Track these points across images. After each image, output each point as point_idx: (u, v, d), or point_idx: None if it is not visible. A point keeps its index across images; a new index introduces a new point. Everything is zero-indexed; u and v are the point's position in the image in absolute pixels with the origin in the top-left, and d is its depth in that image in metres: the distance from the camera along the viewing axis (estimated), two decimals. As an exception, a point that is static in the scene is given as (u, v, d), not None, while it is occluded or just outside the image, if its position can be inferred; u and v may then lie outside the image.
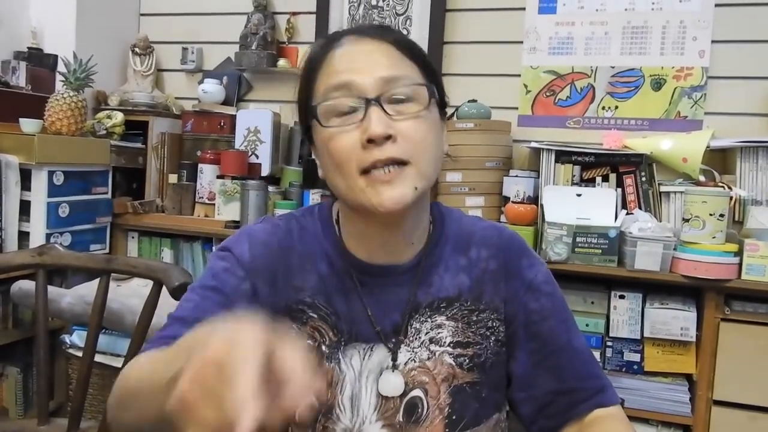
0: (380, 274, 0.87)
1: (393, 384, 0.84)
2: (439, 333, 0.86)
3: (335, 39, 0.83)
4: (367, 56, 0.80)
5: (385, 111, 0.77)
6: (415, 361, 0.85)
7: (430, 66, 0.85)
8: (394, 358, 0.85)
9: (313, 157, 0.87)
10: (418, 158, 0.78)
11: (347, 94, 0.78)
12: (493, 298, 0.89)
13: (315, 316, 0.86)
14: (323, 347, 0.85)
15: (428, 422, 0.84)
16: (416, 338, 0.86)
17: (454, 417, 0.85)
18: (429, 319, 0.86)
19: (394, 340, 0.86)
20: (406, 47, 0.82)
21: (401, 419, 0.84)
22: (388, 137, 0.76)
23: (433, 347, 0.86)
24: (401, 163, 0.77)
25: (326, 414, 0.84)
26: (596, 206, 1.97)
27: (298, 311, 0.86)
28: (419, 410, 0.84)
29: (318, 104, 0.79)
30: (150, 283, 1.43)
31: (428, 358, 0.86)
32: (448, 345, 0.86)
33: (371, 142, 0.75)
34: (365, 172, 0.77)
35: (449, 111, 1.71)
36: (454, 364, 0.86)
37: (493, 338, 0.88)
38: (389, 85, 0.78)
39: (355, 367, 0.85)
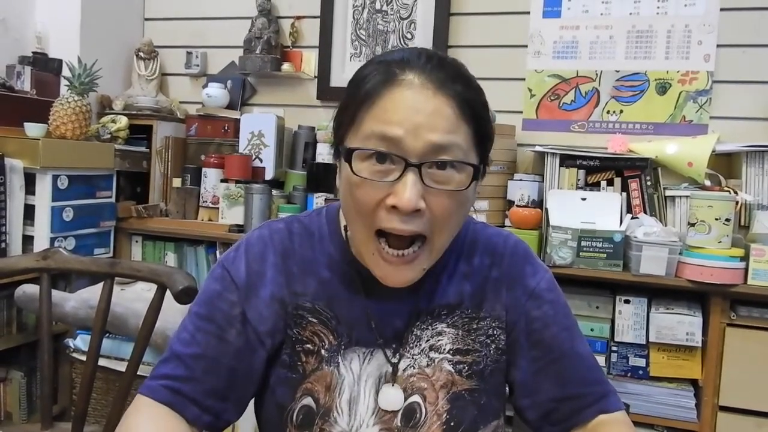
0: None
1: (392, 397, 0.85)
2: (439, 340, 0.86)
3: (398, 75, 0.76)
4: (424, 114, 0.74)
5: (422, 179, 0.73)
6: (414, 368, 0.85)
7: (486, 129, 0.80)
8: (394, 365, 0.85)
9: (336, 180, 0.85)
10: (438, 234, 0.77)
11: (390, 148, 0.73)
12: (495, 305, 0.89)
13: (315, 320, 0.86)
14: (322, 351, 0.86)
15: (426, 428, 0.85)
16: (416, 345, 0.86)
17: (452, 423, 0.85)
18: (430, 327, 0.87)
19: (394, 346, 0.86)
20: (468, 105, 0.77)
21: (399, 424, 0.84)
22: (417, 211, 0.74)
23: (432, 354, 0.86)
24: (419, 236, 0.76)
25: (324, 417, 0.84)
26: (601, 210, 1.96)
27: (297, 316, 0.86)
28: (417, 416, 0.85)
29: (356, 148, 0.75)
30: (154, 287, 1.43)
31: (427, 365, 0.86)
32: (448, 352, 0.86)
33: (396, 208, 0.73)
34: (380, 234, 0.76)
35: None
36: (453, 371, 0.86)
37: (493, 346, 0.88)
38: (436, 153, 0.74)
39: (355, 371, 0.85)
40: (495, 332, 0.88)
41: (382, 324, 0.86)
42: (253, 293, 0.86)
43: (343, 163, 0.78)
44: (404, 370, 0.85)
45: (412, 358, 0.86)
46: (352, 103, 0.78)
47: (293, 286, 0.87)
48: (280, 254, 0.88)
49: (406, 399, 0.84)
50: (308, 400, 0.85)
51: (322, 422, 0.84)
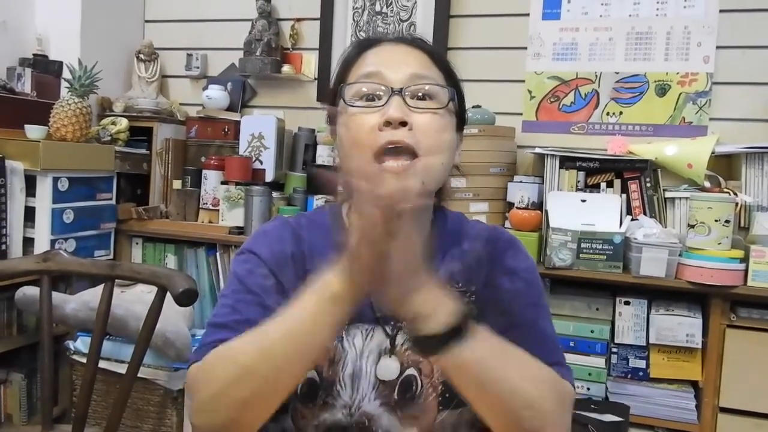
0: None
1: (389, 368, 0.88)
2: None
3: (373, 41, 0.91)
4: (399, 56, 0.88)
5: (406, 102, 0.83)
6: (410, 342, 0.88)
7: (455, 78, 0.92)
8: (393, 342, 0.89)
9: (332, 155, 0.92)
10: (429, 152, 0.83)
11: (375, 81, 0.85)
12: (478, 284, 0.92)
13: None
14: None
15: (422, 399, 0.88)
16: None
17: (447, 395, 0.88)
18: None
19: (392, 323, 0.90)
20: (437, 57, 0.91)
21: (396, 397, 0.88)
22: (404, 124, 0.81)
23: None
24: (412, 154, 0.81)
25: (327, 389, 0.88)
26: (601, 212, 1.96)
27: None
28: (414, 388, 0.88)
29: (345, 85, 0.87)
30: (154, 289, 1.43)
31: None
32: None
33: (388, 125, 0.81)
34: (378, 157, 0.81)
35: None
36: None
37: None
38: (414, 81, 0.85)
39: (357, 346, 0.89)
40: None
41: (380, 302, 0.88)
42: (282, 267, 0.90)
43: (339, 114, 0.88)
44: (402, 344, 0.89)
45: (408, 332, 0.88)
46: (339, 72, 0.91)
47: (305, 265, 0.91)
48: (292, 239, 0.93)
49: (402, 371, 0.88)
50: (312, 374, 0.88)
51: (326, 395, 0.88)
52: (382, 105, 0.83)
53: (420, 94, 0.85)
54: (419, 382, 0.88)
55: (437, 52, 0.92)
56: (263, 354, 0.73)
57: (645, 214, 2.03)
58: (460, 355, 0.71)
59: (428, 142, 0.83)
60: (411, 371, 0.88)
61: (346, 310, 0.73)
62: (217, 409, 0.75)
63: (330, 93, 0.93)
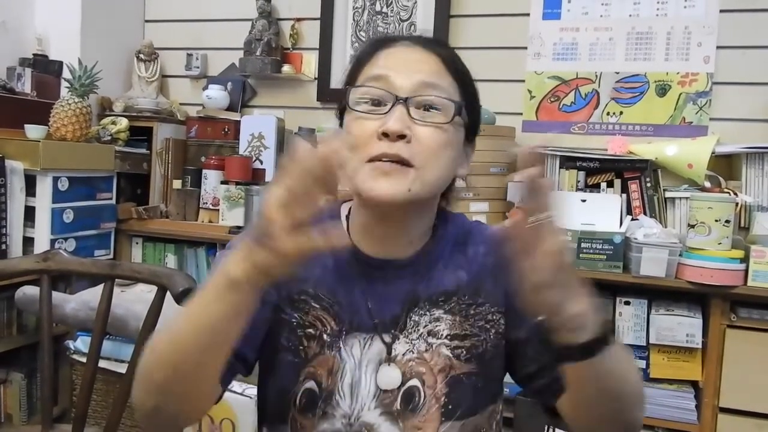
0: (382, 267, 0.89)
1: (390, 377, 0.87)
2: (437, 326, 0.89)
3: (388, 41, 0.88)
4: (411, 61, 0.84)
5: (410, 113, 0.81)
6: (413, 353, 0.88)
7: (470, 87, 0.90)
8: (390, 350, 0.87)
9: None
10: (425, 165, 0.81)
11: (381, 86, 0.82)
12: (494, 291, 0.90)
13: (317, 306, 0.88)
14: (324, 336, 0.88)
15: (425, 410, 0.87)
16: (415, 330, 0.88)
17: (450, 406, 0.87)
18: (428, 313, 0.89)
19: (392, 331, 0.88)
20: (452, 63, 0.87)
21: (398, 407, 0.87)
22: (403, 137, 0.80)
23: (430, 339, 0.88)
24: (406, 164, 0.80)
25: (326, 400, 0.87)
26: (601, 212, 1.96)
27: (300, 301, 0.89)
28: (416, 399, 0.87)
29: (352, 87, 0.85)
30: (154, 288, 1.43)
31: (426, 350, 0.88)
32: (445, 338, 0.88)
33: (386, 136, 0.79)
34: (371, 161, 0.80)
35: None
36: (451, 355, 0.88)
37: (493, 331, 0.90)
38: (422, 90, 0.82)
39: (356, 355, 0.88)
40: (494, 317, 0.90)
41: (379, 308, 0.88)
42: None
43: (345, 113, 0.86)
44: (404, 354, 0.87)
45: (411, 342, 0.88)
46: (351, 70, 0.89)
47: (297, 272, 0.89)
48: None
49: (404, 381, 0.87)
50: (311, 384, 0.87)
51: (325, 405, 0.87)
52: (385, 113, 0.81)
53: (426, 105, 0.82)
54: (422, 393, 0.87)
55: (452, 57, 0.88)
56: (172, 343, 0.72)
57: (645, 214, 2.03)
58: (601, 362, 0.74)
59: (425, 156, 0.81)
60: (413, 382, 0.87)
61: (249, 297, 0.69)
62: (144, 393, 0.75)
63: (344, 83, 0.90)
